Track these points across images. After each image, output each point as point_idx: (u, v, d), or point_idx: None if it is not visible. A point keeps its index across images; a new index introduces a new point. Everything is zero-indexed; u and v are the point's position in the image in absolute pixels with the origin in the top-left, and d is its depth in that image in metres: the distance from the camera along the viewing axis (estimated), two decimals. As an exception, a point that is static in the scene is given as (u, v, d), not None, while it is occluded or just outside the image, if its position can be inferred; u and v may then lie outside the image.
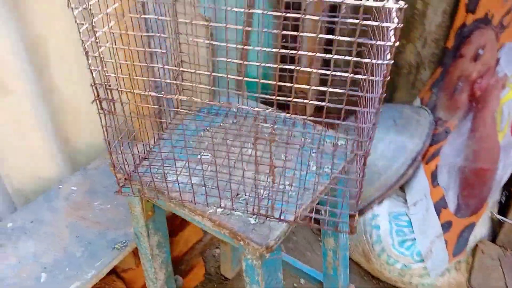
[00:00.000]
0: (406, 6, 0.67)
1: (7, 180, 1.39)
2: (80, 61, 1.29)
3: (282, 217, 0.94)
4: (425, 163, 1.76)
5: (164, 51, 0.92)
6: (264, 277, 0.99)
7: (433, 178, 1.66)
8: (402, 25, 0.67)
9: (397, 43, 0.68)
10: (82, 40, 0.79)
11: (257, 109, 0.86)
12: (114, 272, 1.42)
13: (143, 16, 0.85)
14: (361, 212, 1.82)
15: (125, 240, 1.29)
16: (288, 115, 0.85)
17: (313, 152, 1.15)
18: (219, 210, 0.98)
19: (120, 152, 0.96)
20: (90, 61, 0.82)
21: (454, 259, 1.47)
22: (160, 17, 0.81)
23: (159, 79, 0.87)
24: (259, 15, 1.05)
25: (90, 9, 0.78)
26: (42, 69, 1.33)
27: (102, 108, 0.88)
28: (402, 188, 1.87)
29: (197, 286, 1.82)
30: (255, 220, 0.95)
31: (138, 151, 1.08)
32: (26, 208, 1.37)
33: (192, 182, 0.99)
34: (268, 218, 0.95)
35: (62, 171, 1.49)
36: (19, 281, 1.16)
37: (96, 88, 0.85)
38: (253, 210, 0.95)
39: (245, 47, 0.74)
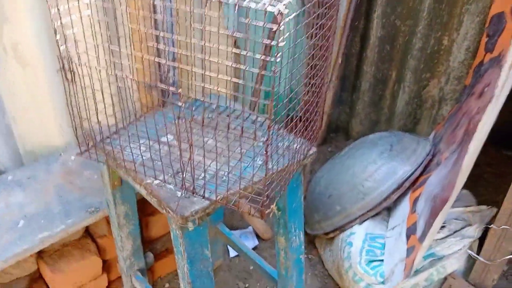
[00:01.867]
0: (287, 11, 0.76)
1: (20, 141, 1.61)
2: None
3: (205, 195, 1.04)
4: (412, 190, 1.75)
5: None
6: (186, 249, 1.09)
7: (414, 205, 1.65)
8: (282, 26, 0.76)
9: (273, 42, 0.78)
10: (52, 21, 0.97)
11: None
12: (90, 236, 1.58)
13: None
14: (342, 229, 1.84)
15: (99, 207, 1.44)
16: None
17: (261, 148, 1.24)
18: (156, 181, 1.10)
19: (88, 119, 1.11)
20: (58, 38, 0.99)
21: (404, 278, 1.48)
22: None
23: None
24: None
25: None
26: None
27: (66, 78, 1.04)
28: (392, 215, 1.86)
29: (174, 272, 1.93)
30: (181, 194, 1.06)
31: (108, 123, 1.23)
32: (27, 167, 1.58)
33: (144, 156, 1.12)
34: (194, 194, 1.05)
35: (68, 141, 1.69)
36: (1, 222, 1.35)
37: (61, 60, 1.02)
38: (182, 185, 1.06)
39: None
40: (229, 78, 0.90)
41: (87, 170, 1.58)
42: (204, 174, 1.09)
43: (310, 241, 2.12)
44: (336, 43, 2.25)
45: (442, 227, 1.61)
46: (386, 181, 1.78)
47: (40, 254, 1.47)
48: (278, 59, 0.81)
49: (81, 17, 0.99)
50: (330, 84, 2.24)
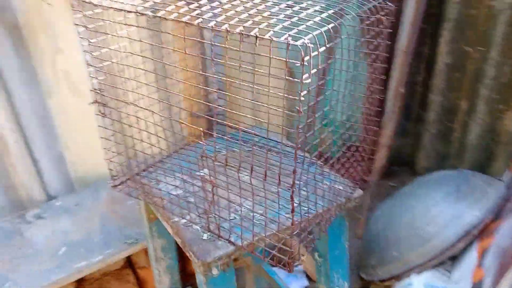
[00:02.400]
0: (311, 45, 0.68)
1: (72, 168, 1.66)
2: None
3: (230, 239, 0.96)
4: (480, 240, 1.53)
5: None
6: (210, 295, 1.01)
7: (481, 257, 1.44)
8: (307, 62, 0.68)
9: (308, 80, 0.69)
10: (86, 54, 0.97)
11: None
12: (131, 267, 1.56)
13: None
14: (398, 278, 1.66)
15: (138, 238, 1.42)
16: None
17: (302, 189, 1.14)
18: (183, 221, 1.04)
19: (117, 153, 1.10)
20: (90, 70, 0.99)
21: None
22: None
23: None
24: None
25: (97, 31, 0.95)
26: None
27: (99, 111, 1.04)
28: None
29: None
30: (207, 237, 0.99)
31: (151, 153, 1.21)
32: (76, 193, 1.62)
33: (174, 192, 1.08)
34: (219, 237, 0.98)
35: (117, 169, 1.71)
36: (44, 248, 1.38)
37: (95, 92, 1.02)
38: (208, 226, 0.99)
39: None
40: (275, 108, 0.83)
41: (131, 200, 1.57)
42: (229, 216, 1.02)
43: (365, 287, 1.95)
44: (397, 70, 2.10)
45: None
46: (450, 227, 1.59)
47: (80, 283, 1.48)
48: (303, 98, 0.73)
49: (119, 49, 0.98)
50: (391, 115, 2.09)
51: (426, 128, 2.47)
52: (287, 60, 0.71)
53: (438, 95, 2.35)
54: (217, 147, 1.33)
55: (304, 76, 0.70)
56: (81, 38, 0.94)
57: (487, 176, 1.82)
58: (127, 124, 1.07)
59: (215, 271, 0.99)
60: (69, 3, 1.42)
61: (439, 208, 1.63)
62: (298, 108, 0.73)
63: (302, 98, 0.72)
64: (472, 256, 1.53)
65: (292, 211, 0.86)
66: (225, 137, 0.93)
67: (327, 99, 1.07)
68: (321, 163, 1.28)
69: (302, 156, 1.30)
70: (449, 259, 1.64)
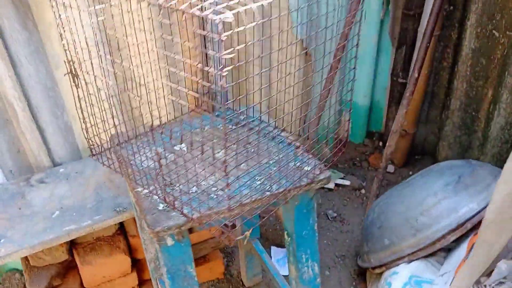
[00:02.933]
0: (231, 19, 0.68)
1: (80, 137, 1.75)
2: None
3: (183, 211, 1.00)
4: (474, 234, 1.47)
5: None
6: (166, 264, 1.06)
7: (470, 251, 1.38)
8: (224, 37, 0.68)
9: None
10: (60, 29, 1.02)
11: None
12: (124, 235, 1.64)
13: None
14: (388, 266, 1.63)
15: (127, 207, 1.49)
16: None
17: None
18: (145, 191, 1.09)
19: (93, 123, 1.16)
20: (63, 43, 1.04)
21: None
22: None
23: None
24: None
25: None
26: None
27: (73, 82, 1.09)
28: (455, 258, 1.59)
29: (214, 281, 1.91)
30: (162, 207, 1.03)
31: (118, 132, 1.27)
32: (79, 162, 1.71)
33: (145, 165, 1.12)
34: (173, 209, 1.02)
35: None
36: (39, 210, 1.48)
37: (68, 64, 1.07)
38: (164, 198, 1.03)
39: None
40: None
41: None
42: (188, 188, 1.06)
43: (362, 273, 1.93)
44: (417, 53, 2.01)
45: (501, 283, 1.32)
46: (443, 219, 1.54)
47: (75, 245, 1.58)
48: (225, 73, 0.73)
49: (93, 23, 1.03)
50: (404, 101, 2.01)
51: (449, 117, 2.36)
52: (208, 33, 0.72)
53: (463, 83, 2.24)
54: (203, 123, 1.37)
55: (223, 52, 0.71)
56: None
57: (498, 169, 1.72)
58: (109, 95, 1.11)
59: (169, 241, 1.04)
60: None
61: (435, 199, 1.58)
62: (221, 83, 0.74)
63: (224, 74, 0.73)
64: (463, 249, 1.47)
65: (228, 185, 0.88)
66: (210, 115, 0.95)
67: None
68: (298, 143, 1.28)
69: (282, 136, 1.31)
70: (443, 251, 1.59)
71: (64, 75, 1.09)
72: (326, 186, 2.42)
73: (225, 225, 0.95)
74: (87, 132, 1.18)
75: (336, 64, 2.14)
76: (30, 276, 1.50)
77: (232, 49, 0.71)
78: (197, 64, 0.81)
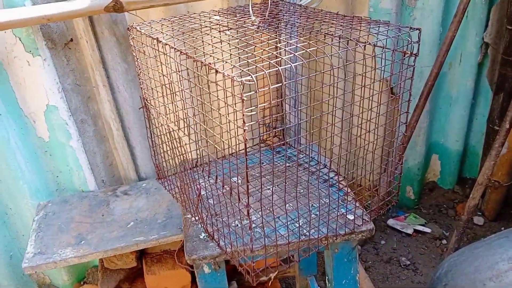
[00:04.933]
0: (252, 83, 0.74)
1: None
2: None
3: (219, 243, 1.07)
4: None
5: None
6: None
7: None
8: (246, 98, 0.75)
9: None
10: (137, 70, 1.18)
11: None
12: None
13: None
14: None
15: (190, 227, 1.61)
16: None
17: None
18: (193, 218, 1.19)
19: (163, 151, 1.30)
20: (140, 82, 1.20)
21: None
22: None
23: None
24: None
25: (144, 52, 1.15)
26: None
27: (146, 115, 1.25)
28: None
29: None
30: (203, 236, 1.12)
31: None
32: (159, 179, 1.89)
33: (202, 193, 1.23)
34: (212, 239, 1.10)
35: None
36: (118, 219, 1.67)
37: (142, 99, 1.23)
38: (206, 228, 1.12)
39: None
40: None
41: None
42: (228, 222, 1.12)
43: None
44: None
45: None
46: (515, 289, 1.39)
47: (145, 255, 1.75)
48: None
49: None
50: (492, 152, 1.86)
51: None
52: (240, 94, 0.79)
53: None
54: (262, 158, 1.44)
55: (245, 109, 0.77)
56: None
57: None
58: (174, 129, 1.25)
59: (206, 269, 1.12)
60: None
61: (508, 265, 1.43)
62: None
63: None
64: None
65: (250, 227, 0.93)
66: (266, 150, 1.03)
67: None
68: (349, 189, 1.28)
69: (333, 178, 1.32)
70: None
71: (139, 108, 1.25)
72: (404, 231, 2.31)
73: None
74: (155, 157, 1.33)
75: (423, 104, 2.06)
76: (102, 277, 1.70)
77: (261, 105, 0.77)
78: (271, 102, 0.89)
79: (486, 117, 2.31)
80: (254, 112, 0.78)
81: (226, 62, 0.82)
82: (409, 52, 1.03)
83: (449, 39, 1.94)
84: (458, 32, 1.94)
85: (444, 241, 2.25)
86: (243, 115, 0.76)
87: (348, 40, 1.04)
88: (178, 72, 0.98)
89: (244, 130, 0.78)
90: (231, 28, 0.98)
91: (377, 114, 1.12)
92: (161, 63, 1.04)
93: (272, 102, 1.00)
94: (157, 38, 0.98)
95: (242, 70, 0.78)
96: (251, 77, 0.76)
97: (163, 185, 1.34)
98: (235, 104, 0.80)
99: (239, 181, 1.32)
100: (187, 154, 1.10)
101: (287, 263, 1.40)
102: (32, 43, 1.55)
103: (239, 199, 0.90)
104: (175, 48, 0.91)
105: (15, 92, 1.64)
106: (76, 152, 1.78)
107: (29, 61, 1.58)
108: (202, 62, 0.83)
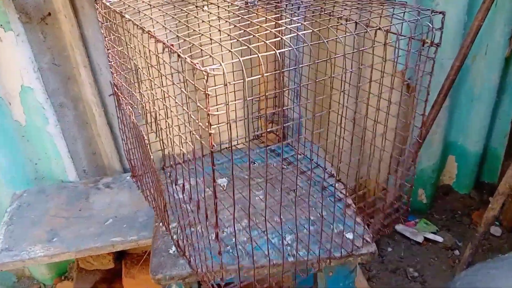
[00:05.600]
0: (215, 72, 0.56)
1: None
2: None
3: (190, 261, 0.90)
4: None
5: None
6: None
7: None
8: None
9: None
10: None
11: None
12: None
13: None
14: None
15: (173, 229, 1.45)
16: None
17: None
18: (163, 228, 1.02)
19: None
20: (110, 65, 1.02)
21: None
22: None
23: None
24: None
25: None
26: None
27: (117, 103, 1.07)
28: None
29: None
30: (173, 251, 0.95)
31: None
32: (146, 172, 1.73)
33: (177, 196, 1.06)
34: (183, 256, 0.93)
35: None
36: (96, 214, 1.52)
37: (112, 85, 1.05)
38: (177, 241, 0.95)
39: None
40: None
41: (188, 189, 1.61)
42: (204, 237, 0.96)
43: None
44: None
45: None
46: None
47: (125, 255, 1.60)
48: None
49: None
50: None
51: None
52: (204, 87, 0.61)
53: None
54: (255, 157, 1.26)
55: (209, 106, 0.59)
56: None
57: None
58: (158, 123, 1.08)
59: (175, 288, 0.95)
60: None
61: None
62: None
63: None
64: None
65: (219, 253, 0.76)
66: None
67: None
68: (351, 201, 1.10)
69: (332, 185, 1.14)
70: None
71: (109, 95, 1.08)
72: (413, 238, 2.12)
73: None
74: (127, 152, 1.16)
75: (442, 100, 1.86)
76: (77, 277, 1.56)
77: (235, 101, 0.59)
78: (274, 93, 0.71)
79: (511, 117, 2.10)
80: (223, 111, 0.60)
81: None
82: (429, 41, 0.83)
83: (475, 29, 1.72)
84: (485, 21, 1.72)
85: (456, 252, 2.06)
86: (208, 114, 0.59)
87: (355, 24, 0.85)
88: (141, 55, 0.80)
89: (210, 134, 0.60)
90: (210, 3, 0.79)
91: (387, 114, 0.94)
92: (126, 43, 0.86)
93: (268, 93, 0.82)
94: (120, 11, 0.80)
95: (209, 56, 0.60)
96: (220, 65, 0.57)
97: (136, 184, 1.17)
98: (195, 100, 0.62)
99: (226, 183, 1.15)
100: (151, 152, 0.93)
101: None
102: (3, 16, 1.39)
103: (206, 217, 0.73)
104: (136, 25, 0.73)
105: (-12, 71, 1.48)
106: (54, 138, 1.62)
107: (0, 37, 1.42)
108: (164, 43, 0.65)
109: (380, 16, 0.80)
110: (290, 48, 0.63)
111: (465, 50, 1.76)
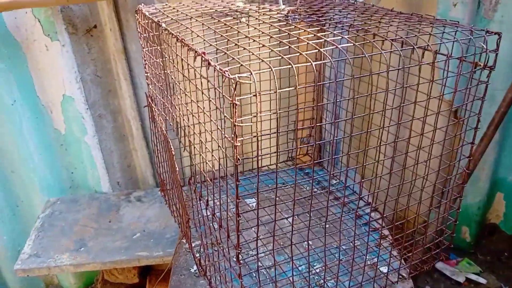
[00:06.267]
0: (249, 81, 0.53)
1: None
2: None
3: (211, 282, 0.86)
4: None
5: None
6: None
7: None
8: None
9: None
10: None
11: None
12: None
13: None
14: None
15: (200, 248, 1.42)
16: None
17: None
18: (187, 245, 0.98)
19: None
20: (146, 76, 1.02)
21: None
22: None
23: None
24: None
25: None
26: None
27: (150, 115, 1.06)
28: None
29: None
30: (194, 270, 0.91)
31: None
32: (177, 187, 1.71)
33: (205, 213, 1.03)
34: (204, 276, 0.89)
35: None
36: (124, 227, 1.51)
37: (147, 97, 1.04)
38: (199, 260, 0.91)
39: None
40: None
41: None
42: (228, 263, 0.91)
43: None
44: None
45: None
46: None
47: (150, 271, 1.57)
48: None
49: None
50: None
51: None
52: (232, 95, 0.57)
53: None
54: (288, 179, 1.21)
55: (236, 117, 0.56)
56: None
57: None
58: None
59: (194, 310, 0.91)
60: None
61: None
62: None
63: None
64: None
65: (239, 276, 0.70)
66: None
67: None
68: (388, 232, 1.02)
69: (367, 213, 1.07)
70: None
71: (144, 107, 1.07)
72: (454, 278, 1.98)
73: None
74: (157, 165, 1.14)
75: (492, 133, 1.75)
76: (101, 289, 1.54)
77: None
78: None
79: None
80: (250, 123, 0.56)
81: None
82: (482, 64, 0.77)
83: (532, 59, 1.62)
84: (543, 51, 1.62)
85: (501, 297, 1.90)
86: (234, 125, 0.55)
87: (401, 43, 0.80)
88: (175, 66, 0.78)
89: (235, 147, 0.56)
90: (250, 15, 0.77)
91: (432, 140, 0.87)
92: (162, 54, 0.85)
93: (302, 107, 0.78)
94: (158, 21, 0.79)
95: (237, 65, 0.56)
96: (250, 74, 0.54)
97: (164, 199, 1.15)
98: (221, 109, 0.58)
99: (254, 204, 1.10)
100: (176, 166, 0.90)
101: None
102: (51, 26, 1.43)
103: (228, 236, 0.68)
104: (172, 34, 0.72)
105: (33, 79, 1.53)
106: (91, 148, 1.64)
107: (47, 46, 1.46)
108: (195, 51, 0.63)
109: (430, 35, 0.75)
110: (327, 61, 0.58)
111: (518, 80, 1.65)
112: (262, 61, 0.56)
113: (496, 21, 1.72)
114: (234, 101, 0.53)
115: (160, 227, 1.51)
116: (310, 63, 0.57)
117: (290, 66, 0.56)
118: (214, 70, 0.56)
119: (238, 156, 0.57)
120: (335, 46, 0.61)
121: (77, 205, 1.64)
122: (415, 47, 0.68)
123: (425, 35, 0.75)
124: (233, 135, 0.56)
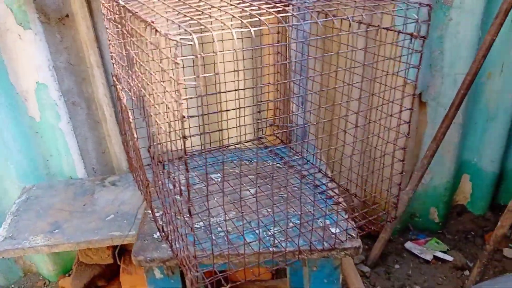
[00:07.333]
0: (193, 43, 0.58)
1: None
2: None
3: (173, 246, 0.91)
4: None
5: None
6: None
7: None
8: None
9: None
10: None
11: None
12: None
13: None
14: None
15: (172, 227, 1.47)
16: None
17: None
18: (159, 213, 1.03)
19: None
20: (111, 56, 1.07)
21: None
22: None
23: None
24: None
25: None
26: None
27: (116, 94, 1.11)
28: None
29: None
30: (157, 236, 0.96)
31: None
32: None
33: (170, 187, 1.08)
34: (166, 241, 0.94)
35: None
36: (98, 210, 1.55)
37: (112, 76, 1.09)
38: (162, 226, 0.96)
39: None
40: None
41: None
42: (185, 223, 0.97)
43: None
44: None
45: None
46: None
47: (124, 252, 1.61)
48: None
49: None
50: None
51: None
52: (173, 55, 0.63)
53: None
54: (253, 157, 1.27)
55: (179, 77, 0.61)
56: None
57: None
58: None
59: (157, 274, 0.96)
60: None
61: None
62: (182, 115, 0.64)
63: (181, 101, 0.63)
64: None
65: (191, 229, 0.76)
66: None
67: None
68: (342, 198, 1.09)
69: (324, 184, 1.13)
70: None
71: (111, 86, 1.12)
72: (422, 256, 2.06)
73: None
74: (125, 144, 1.19)
75: (453, 114, 1.83)
76: (76, 270, 1.58)
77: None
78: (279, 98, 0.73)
79: (529, 137, 2.04)
80: (194, 83, 0.62)
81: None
82: (416, 34, 0.84)
83: (488, 44, 1.70)
84: (500, 37, 1.71)
85: (466, 272, 1.98)
86: (178, 83, 0.60)
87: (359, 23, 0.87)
88: (132, 40, 0.83)
89: (180, 104, 0.62)
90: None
91: (381, 112, 0.94)
92: (123, 33, 0.90)
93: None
94: (117, 0, 0.84)
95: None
96: (192, 36, 0.60)
97: (133, 176, 1.20)
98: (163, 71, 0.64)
99: (219, 179, 1.16)
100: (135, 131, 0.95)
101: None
102: (24, 16, 1.47)
103: (180, 193, 0.74)
104: (128, 9, 0.77)
105: (7, 67, 1.56)
106: (66, 135, 1.68)
107: (20, 35, 1.50)
108: (145, 21, 0.68)
109: (382, 13, 0.82)
110: (288, 24, 0.64)
111: (477, 64, 1.74)
112: (223, 23, 0.61)
113: (455, 7, 1.80)
114: (176, 61, 0.59)
115: (133, 209, 1.55)
116: (268, 27, 0.63)
117: (249, 29, 0.61)
118: (165, 38, 0.61)
119: (183, 114, 0.62)
120: (300, 23, 0.67)
121: (53, 191, 1.68)
122: (366, 23, 0.75)
123: (368, 14, 0.81)
124: (177, 93, 0.61)
